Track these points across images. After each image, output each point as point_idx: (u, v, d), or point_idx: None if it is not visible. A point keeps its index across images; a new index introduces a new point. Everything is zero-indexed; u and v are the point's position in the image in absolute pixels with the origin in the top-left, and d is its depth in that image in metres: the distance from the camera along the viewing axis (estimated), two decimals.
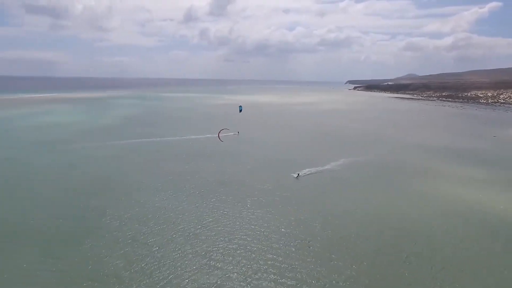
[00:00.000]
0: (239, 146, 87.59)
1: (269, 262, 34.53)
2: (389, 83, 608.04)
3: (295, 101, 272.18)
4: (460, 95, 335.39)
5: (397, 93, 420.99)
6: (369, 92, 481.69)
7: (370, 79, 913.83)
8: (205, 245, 37.60)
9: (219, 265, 33.99)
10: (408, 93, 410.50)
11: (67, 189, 53.75)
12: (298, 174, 61.84)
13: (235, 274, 32.67)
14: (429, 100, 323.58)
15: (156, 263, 34.08)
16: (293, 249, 37.25)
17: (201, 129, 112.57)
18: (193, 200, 50.44)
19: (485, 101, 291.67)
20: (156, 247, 37.11)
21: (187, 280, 31.49)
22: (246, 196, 52.27)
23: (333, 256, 35.90)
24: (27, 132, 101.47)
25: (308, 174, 63.60)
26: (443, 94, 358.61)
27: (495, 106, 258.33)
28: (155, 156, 76.08)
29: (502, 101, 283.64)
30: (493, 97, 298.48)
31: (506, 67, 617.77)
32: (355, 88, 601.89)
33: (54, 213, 44.81)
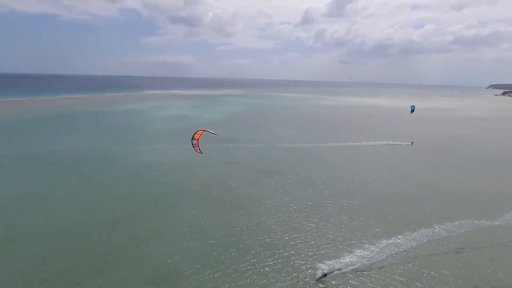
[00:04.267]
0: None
1: None
2: None
3: (430, 106, 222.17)
4: None
5: None
6: None
7: None
8: None
9: None
10: None
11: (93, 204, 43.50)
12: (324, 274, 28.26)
13: None
14: None
15: None
16: None
17: (296, 135, 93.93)
18: None
19: None
20: None
21: None
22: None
23: None
24: (127, 127, 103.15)
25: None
26: None
27: None
28: (224, 169, 61.39)
29: None
30: None
31: None
32: (504, 93, 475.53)
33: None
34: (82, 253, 30.78)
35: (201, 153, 38.06)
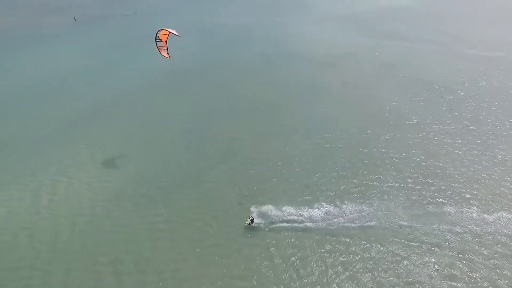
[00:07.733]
0: None
1: None
2: None
3: None
4: None
5: None
6: None
7: None
8: None
9: None
10: None
11: None
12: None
13: None
14: None
15: None
16: None
17: None
18: None
19: None
20: None
21: None
22: None
23: None
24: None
25: None
26: None
27: None
28: (377, 71, 51.57)
29: None
30: None
31: None
32: None
33: None
34: (212, 136, 33.78)
35: (170, 57, 29.87)
